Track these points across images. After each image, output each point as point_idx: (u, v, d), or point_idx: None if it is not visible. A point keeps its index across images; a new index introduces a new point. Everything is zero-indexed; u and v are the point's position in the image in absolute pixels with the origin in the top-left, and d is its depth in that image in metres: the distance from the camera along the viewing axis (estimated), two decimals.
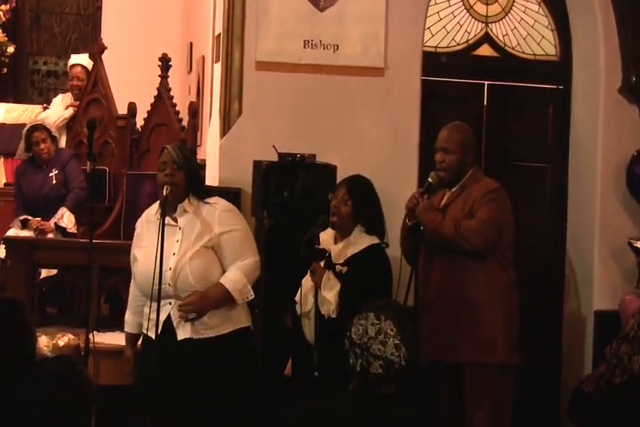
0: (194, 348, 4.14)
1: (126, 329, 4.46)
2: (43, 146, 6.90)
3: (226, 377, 4.18)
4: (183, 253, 4.15)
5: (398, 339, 2.87)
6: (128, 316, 4.45)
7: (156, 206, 4.29)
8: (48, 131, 6.96)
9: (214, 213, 4.22)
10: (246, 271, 4.22)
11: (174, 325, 4.16)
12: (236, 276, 4.19)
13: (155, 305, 4.13)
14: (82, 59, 8.24)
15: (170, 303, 4.16)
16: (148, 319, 4.13)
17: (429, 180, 4.78)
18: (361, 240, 4.58)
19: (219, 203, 4.28)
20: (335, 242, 4.65)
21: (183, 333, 4.15)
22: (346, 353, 2.88)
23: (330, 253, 4.59)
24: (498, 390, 4.68)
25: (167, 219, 4.15)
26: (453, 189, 4.80)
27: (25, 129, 7.04)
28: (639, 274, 6.12)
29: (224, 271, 4.21)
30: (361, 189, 4.66)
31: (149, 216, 4.34)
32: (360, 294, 4.21)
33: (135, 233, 4.42)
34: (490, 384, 4.65)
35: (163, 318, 4.15)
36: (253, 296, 4.29)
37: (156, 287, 4.08)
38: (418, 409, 2.96)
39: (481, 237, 4.59)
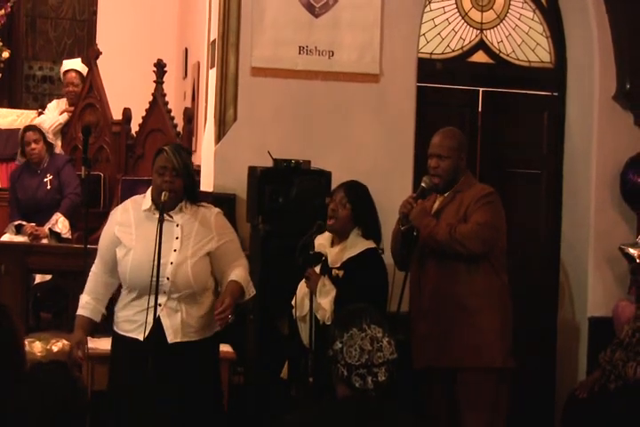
0: (183, 351, 4.12)
1: (81, 312, 4.24)
2: (34, 146, 6.87)
3: (218, 379, 4.28)
4: (185, 252, 4.13)
5: (387, 335, 2.84)
6: (88, 299, 4.24)
7: (145, 201, 4.21)
8: (42, 133, 6.94)
9: (210, 218, 4.24)
10: (247, 270, 4.29)
11: (164, 327, 4.11)
12: (244, 274, 4.23)
13: (144, 304, 4.04)
14: (75, 64, 8.20)
15: (160, 305, 4.07)
16: (145, 323, 4.04)
17: (422, 184, 4.78)
18: (358, 244, 4.58)
19: (211, 207, 4.30)
20: (332, 246, 4.65)
21: (174, 336, 4.12)
22: (347, 380, 2.80)
23: (326, 258, 4.59)
24: (493, 395, 4.68)
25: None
26: (446, 194, 4.80)
27: (20, 130, 7.05)
28: (631, 280, 6.13)
29: (211, 273, 4.23)
30: (359, 193, 4.67)
31: (137, 207, 4.22)
32: (357, 299, 4.19)
33: (116, 216, 4.25)
34: (485, 389, 4.64)
35: (151, 319, 4.04)
36: (255, 293, 4.32)
37: (153, 284, 4.01)
38: (415, 414, 2.95)
39: (479, 239, 4.58)
